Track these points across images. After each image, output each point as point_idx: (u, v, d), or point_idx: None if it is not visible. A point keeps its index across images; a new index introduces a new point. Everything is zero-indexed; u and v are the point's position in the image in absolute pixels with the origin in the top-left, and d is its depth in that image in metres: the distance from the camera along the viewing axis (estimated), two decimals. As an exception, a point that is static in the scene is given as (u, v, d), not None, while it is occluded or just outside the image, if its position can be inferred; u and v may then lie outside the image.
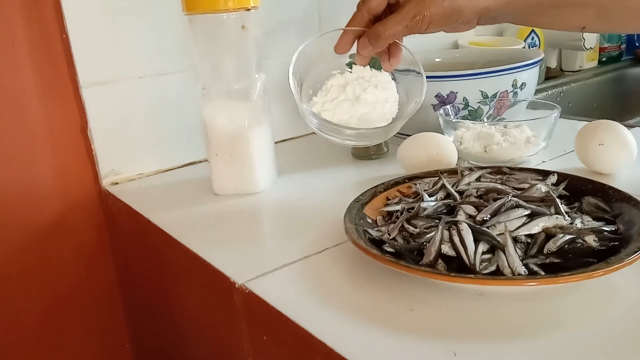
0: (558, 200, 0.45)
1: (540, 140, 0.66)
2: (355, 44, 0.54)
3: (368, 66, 0.56)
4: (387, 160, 0.73)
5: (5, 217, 0.68)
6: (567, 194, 0.51)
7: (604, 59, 1.30)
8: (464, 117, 0.74)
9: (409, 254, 0.43)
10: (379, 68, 0.58)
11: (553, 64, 1.24)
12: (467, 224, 0.42)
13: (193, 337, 0.59)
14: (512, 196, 0.46)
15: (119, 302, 0.77)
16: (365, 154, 0.74)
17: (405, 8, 0.50)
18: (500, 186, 0.50)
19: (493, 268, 0.40)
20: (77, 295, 0.74)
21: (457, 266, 0.41)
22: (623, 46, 1.33)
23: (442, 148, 0.62)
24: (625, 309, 0.38)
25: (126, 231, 0.69)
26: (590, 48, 1.15)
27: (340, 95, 0.55)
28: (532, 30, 1.11)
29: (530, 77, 0.78)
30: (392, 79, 0.58)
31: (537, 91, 1.12)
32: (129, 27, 0.69)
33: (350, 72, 0.56)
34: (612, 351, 0.34)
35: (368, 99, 0.54)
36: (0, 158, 0.66)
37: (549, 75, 1.21)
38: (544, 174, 0.53)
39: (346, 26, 0.54)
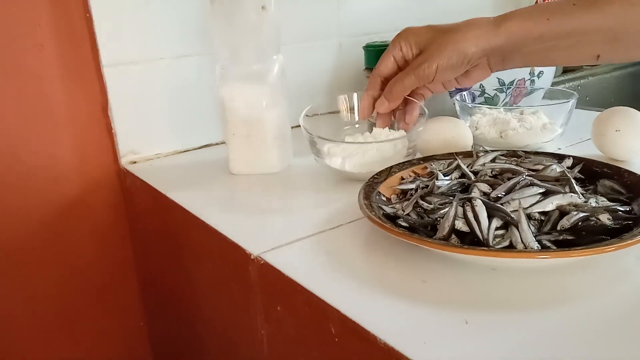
0: (573, 180, 0.45)
1: (557, 127, 0.66)
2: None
3: (387, 128, 0.62)
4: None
5: (27, 194, 0.69)
6: (583, 177, 0.51)
7: (623, 54, 1.29)
8: (480, 104, 0.74)
9: (422, 229, 0.43)
10: None
11: (571, 57, 1.23)
12: (482, 200, 0.43)
13: (208, 312, 0.60)
14: (526, 175, 0.46)
15: (135, 280, 0.78)
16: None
17: (412, 62, 0.56)
18: (515, 167, 0.50)
19: (506, 243, 0.41)
20: (94, 272, 0.76)
21: (470, 241, 0.41)
22: (643, 41, 1.32)
23: (457, 131, 0.62)
24: (637, 287, 0.38)
25: (143, 209, 0.71)
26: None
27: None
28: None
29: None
30: None
31: (554, 84, 1.12)
32: (151, 9, 0.70)
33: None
34: (620, 327, 0.34)
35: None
36: (23, 136, 0.67)
37: (567, 68, 1.20)
38: (559, 158, 0.53)
39: (364, 96, 0.62)
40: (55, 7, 0.66)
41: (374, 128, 0.62)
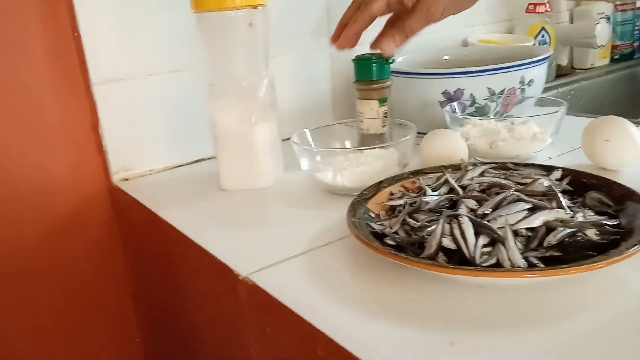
0: (560, 194, 0.45)
1: (547, 137, 0.66)
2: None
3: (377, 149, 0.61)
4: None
5: (23, 210, 0.69)
6: (572, 189, 0.51)
7: (616, 57, 1.29)
8: (471, 114, 0.74)
9: (410, 247, 0.43)
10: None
11: (564, 61, 1.23)
12: (468, 217, 0.43)
13: (201, 329, 0.60)
14: (513, 190, 0.46)
15: (129, 297, 0.78)
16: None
17: (419, 5, 0.58)
18: (503, 181, 0.50)
19: (493, 261, 0.40)
20: (90, 288, 0.76)
21: (458, 259, 0.41)
22: (636, 44, 1.32)
23: (455, 145, 0.62)
24: (627, 302, 0.38)
25: (136, 226, 0.71)
26: (602, 46, 1.14)
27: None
28: (543, 28, 1.10)
29: (538, 74, 0.78)
30: None
31: (548, 89, 1.12)
32: (140, 25, 0.70)
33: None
34: (613, 344, 0.34)
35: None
36: (18, 152, 0.68)
37: (560, 73, 1.20)
38: (548, 170, 0.53)
39: (348, 26, 0.61)
40: (46, 27, 0.66)
41: (365, 151, 0.62)
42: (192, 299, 0.60)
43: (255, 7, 0.60)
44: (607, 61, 1.27)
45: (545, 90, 1.09)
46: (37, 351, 0.74)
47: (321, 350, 0.37)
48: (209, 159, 0.78)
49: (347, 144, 0.70)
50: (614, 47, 1.28)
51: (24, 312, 0.72)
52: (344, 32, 0.61)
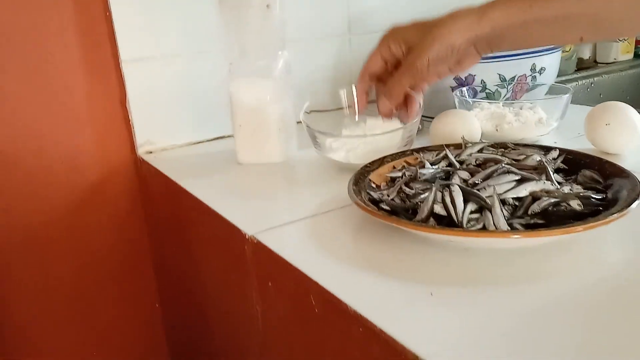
0: (550, 168, 0.47)
1: (552, 121, 0.67)
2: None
3: (380, 121, 0.65)
4: (419, 137, 0.75)
5: (50, 182, 0.75)
6: (567, 167, 0.53)
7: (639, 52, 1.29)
8: (481, 100, 0.76)
9: (404, 213, 0.46)
10: None
11: (586, 55, 1.23)
12: (459, 186, 0.46)
13: (212, 292, 0.64)
14: (505, 164, 0.48)
15: (150, 264, 0.83)
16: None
17: (404, 60, 0.60)
18: (499, 157, 0.52)
19: (480, 226, 0.43)
20: (112, 257, 0.81)
21: (447, 224, 0.44)
22: (661, 39, 1.31)
23: (469, 125, 0.64)
24: (601, 272, 0.40)
25: (157, 196, 0.75)
26: (625, 39, 1.14)
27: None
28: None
29: (551, 62, 0.79)
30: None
31: (568, 81, 1.13)
32: (167, 8, 0.75)
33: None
34: (583, 308, 0.36)
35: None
36: (48, 127, 0.73)
37: (581, 66, 1.21)
38: (546, 150, 0.55)
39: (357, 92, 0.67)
40: (79, 8, 0.71)
41: (367, 120, 0.65)
42: (204, 262, 0.64)
43: (272, -11, 0.63)
44: (630, 56, 1.27)
45: (566, 81, 1.10)
46: (59, 317, 0.79)
47: (315, 299, 0.41)
48: (227, 137, 0.82)
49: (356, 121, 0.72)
50: (637, 42, 1.28)
51: (48, 278, 0.77)
52: (357, 98, 0.67)
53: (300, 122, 0.66)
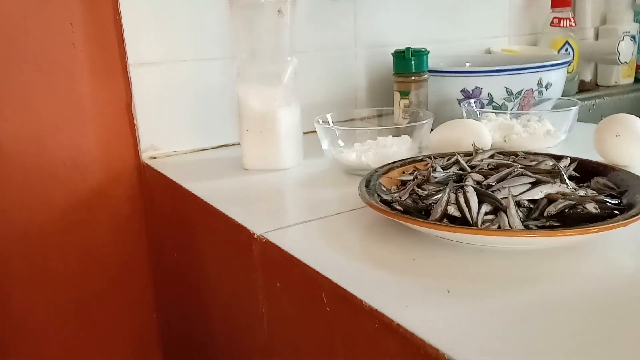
0: (563, 172, 0.47)
1: (560, 133, 0.67)
2: None
3: (390, 136, 0.65)
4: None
5: (54, 182, 0.74)
6: (578, 175, 0.52)
7: (640, 76, 1.30)
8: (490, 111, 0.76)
9: (416, 213, 0.46)
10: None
11: (587, 77, 1.24)
12: (473, 187, 0.45)
13: (215, 295, 0.63)
14: (519, 167, 0.48)
15: (148, 268, 0.82)
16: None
17: None
18: (511, 163, 0.52)
19: (494, 227, 0.42)
20: (111, 262, 0.79)
21: (461, 225, 0.43)
22: (662, 64, 1.33)
23: (478, 134, 0.64)
24: (617, 275, 0.39)
25: (160, 201, 0.74)
26: (625, 62, 1.15)
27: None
28: (567, 42, 1.12)
29: (557, 77, 0.80)
30: None
31: (570, 102, 1.13)
32: (176, 14, 0.75)
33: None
34: (594, 310, 0.35)
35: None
36: (53, 128, 0.72)
37: (583, 88, 1.21)
38: (557, 158, 0.55)
39: None
40: (88, 9, 0.71)
41: (378, 137, 0.65)
42: (208, 265, 0.63)
43: (284, -5, 0.64)
44: (631, 80, 1.28)
45: (567, 102, 1.10)
46: (57, 317, 0.77)
47: (326, 295, 0.40)
48: (232, 145, 0.82)
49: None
50: (638, 66, 1.29)
51: (46, 278, 0.75)
52: None
53: (307, 133, 0.66)
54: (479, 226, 0.42)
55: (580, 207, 0.43)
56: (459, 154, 0.56)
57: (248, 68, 0.67)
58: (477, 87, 0.77)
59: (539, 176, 0.46)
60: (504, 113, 0.70)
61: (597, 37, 1.26)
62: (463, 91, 0.78)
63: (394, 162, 0.57)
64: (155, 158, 0.77)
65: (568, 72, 1.13)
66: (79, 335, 0.78)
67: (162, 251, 0.77)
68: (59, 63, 0.71)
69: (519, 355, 0.30)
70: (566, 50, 1.12)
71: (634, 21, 1.25)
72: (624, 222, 0.39)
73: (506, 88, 0.77)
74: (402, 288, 0.38)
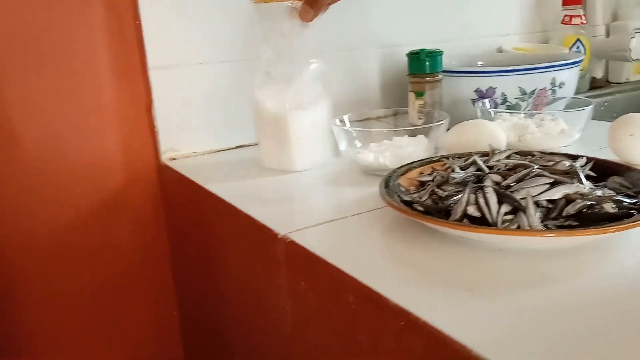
0: (580, 172, 0.48)
1: (574, 132, 0.68)
2: None
3: (406, 136, 0.66)
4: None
5: (76, 184, 0.75)
6: (594, 175, 0.53)
7: (652, 72, 1.30)
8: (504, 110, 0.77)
9: (437, 214, 0.47)
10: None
11: (599, 74, 1.24)
12: (492, 188, 0.46)
13: (235, 296, 0.64)
14: (536, 167, 0.49)
15: (169, 269, 0.83)
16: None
17: None
18: (528, 163, 0.53)
19: (514, 227, 0.44)
20: (132, 260, 0.81)
21: (481, 225, 0.44)
22: (673, 60, 1.32)
23: (493, 135, 0.65)
24: (637, 273, 0.41)
25: (180, 202, 0.76)
26: (637, 59, 1.16)
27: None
28: (578, 40, 1.12)
29: (569, 77, 0.81)
30: None
31: (581, 99, 1.14)
32: (194, 18, 0.76)
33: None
34: (616, 308, 0.36)
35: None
36: (74, 130, 0.74)
37: (594, 85, 1.22)
38: (573, 158, 0.56)
39: None
40: (109, 14, 0.73)
41: (394, 137, 0.66)
42: (228, 264, 0.64)
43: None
44: (642, 76, 1.29)
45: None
46: (80, 316, 0.79)
47: (351, 295, 0.41)
48: (249, 145, 0.83)
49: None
50: (649, 63, 1.29)
51: (71, 278, 0.77)
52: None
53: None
54: (499, 226, 0.44)
55: (598, 206, 0.44)
56: (476, 154, 0.57)
57: (268, 70, 0.68)
58: (490, 87, 0.78)
59: (556, 176, 0.47)
60: (518, 113, 0.71)
61: (608, 34, 1.26)
62: (477, 91, 0.79)
63: (411, 163, 0.58)
64: (174, 159, 0.78)
65: (580, 69, 1.13)
66: (101, 332, 0.80)
67: (183, 250, 0.79)
68: (81, 67, 0.73)
69: (544, 353, 0.31)
70: (577, 48, 1.13)
71: (645, 17, 1.25)
72: (642, 221, 0.40)
73: (520, 87, 0.77)
74: (426, 286, 0.39)
